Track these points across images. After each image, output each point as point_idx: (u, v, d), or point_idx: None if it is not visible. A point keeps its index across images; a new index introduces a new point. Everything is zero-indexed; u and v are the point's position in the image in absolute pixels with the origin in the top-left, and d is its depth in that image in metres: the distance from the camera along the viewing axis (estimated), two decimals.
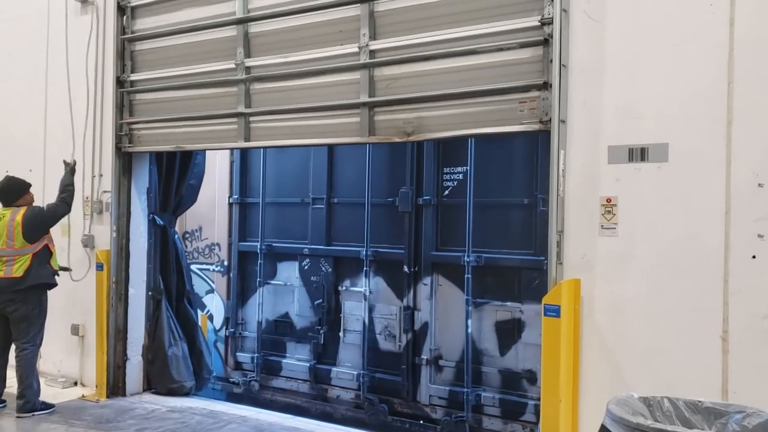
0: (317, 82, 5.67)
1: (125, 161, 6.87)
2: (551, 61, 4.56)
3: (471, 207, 6.55)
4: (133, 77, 6.82)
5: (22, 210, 6.15)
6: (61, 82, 7.26)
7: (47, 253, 6.22)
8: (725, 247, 4.05)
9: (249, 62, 6.02)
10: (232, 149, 6.67)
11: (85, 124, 7.04)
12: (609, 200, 4.42)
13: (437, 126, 5.11)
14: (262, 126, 6.01)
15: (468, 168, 6.59)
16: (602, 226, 4.45)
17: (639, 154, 4.33)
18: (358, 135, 5.46)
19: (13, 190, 6.25)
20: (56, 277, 6.33)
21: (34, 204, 6.37)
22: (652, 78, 4.30)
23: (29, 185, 6.36)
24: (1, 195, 6.25)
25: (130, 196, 6.87)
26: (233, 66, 6.10)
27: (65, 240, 7.05)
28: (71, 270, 6.86)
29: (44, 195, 7.06)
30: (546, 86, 4.61)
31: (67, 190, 6.40)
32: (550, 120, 4.56)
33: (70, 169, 6.57)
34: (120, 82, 6.85)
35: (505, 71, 4.81)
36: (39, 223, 6.15)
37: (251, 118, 6.04)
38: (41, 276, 6.15)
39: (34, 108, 7.55)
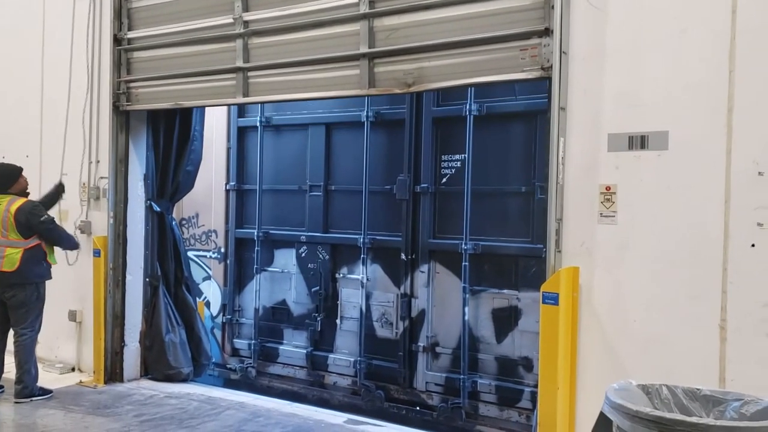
0: (316, 35, 5.62)
1: (123, 121, 6.81)
2: (552, 7, 4.52)
3: (469, 195, 6.54)
4: (131, 35, 6.76)
5: (18, 203, 6.06)
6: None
7: (40, 251, 6.13)
8: (725, 236, 4.06)
9: (247, 16, 5.96)
10: (230, 105, 6.55)
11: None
12: (608, 188, 4.42)
13: (438, 76, 5.06)
14: (260, 81, 5.97)
15: (466, 156, 6.58)
16: (601, 214, 4.45)
17: (639, 142, 4.32)
18: (357, 87, 5.42)
19: (6, 177, 6.18)
20: (50, 271, 6.27)
21: (28, 200, 6.26)
22: (653, 66, 4.29)
23: (21, 169, 6.29)
24: None
25: (127, 181, 6.83)
26: (231, 21, 6.04)
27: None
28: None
29: (41, 180, 7.05)
30: (547, 32, 4.57)
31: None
32: (551, 66, 4.53)
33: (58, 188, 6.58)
34: (117, 40, 6.79)
35: (506, 18, 4.77)
36: (29, 226, 6.04)
37: (250, 73, 6.00)
38: (35, 274, 6.08)
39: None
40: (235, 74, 6.05)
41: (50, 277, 6.26)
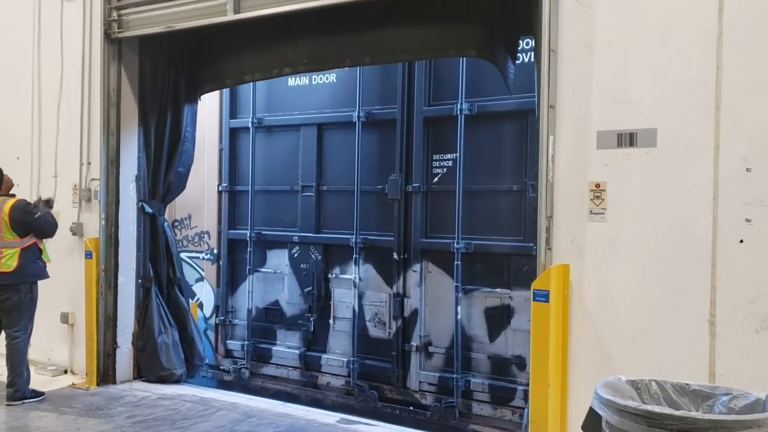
0: None
1: (115, 51, 6.75)
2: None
3: (460, 194, 6.55)
4: None
5: (10, 202, 6.05)
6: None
7: (37, 249, 6.13)
8: (713, 232, 4.08)
9: None
10: (222, 24, 6.41)
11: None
12: (598, 185, 4.44)
13: None
14: None
15: (457, 155, 6.59)
16: (591, 211, 4.47)
17: (628, 140, 4.34)
18: None
19: None
20: (46, 269, 6.26)
21: (19, 198, 6.23)
22: (642, 63, 4.31)
23: (0, 169, 6.26)
24: None
25: (118, 183, 6.81)
26: None
27: None
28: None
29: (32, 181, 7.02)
30: None
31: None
32: None
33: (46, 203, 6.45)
34: None
35: None
36: (22, 223, 6.01)
37: None
38: (33, 273, 6.09)
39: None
40: None
41: (47, 276, 6.26)
